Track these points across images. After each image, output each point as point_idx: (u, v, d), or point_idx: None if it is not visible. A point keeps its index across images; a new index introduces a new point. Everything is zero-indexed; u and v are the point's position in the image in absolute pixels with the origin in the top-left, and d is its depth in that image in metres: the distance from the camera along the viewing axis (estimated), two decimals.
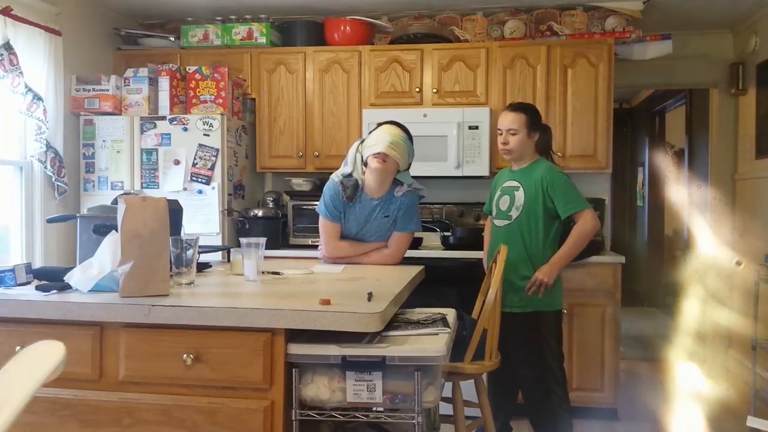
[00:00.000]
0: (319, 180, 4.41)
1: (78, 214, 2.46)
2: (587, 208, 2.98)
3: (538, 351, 2.98)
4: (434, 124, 4.06)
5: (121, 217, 1.88)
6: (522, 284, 2.98)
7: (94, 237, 2.17)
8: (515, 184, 3.06)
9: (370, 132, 2.95)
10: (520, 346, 2.98)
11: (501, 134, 3.07)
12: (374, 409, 1.86)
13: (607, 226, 4.41)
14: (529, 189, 3.01)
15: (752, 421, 3.38)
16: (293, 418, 1.79)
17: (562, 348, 3.12)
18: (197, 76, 3.98)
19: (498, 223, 3.12)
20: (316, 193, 4.33)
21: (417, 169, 4.07)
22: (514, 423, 3.83)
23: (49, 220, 2.64)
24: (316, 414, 1.82)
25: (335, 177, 3.00)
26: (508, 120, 3.04)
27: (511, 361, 2.90)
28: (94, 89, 3.97)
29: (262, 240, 2.29)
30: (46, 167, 3.64)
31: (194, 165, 3.87)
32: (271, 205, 4.32)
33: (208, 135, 3.87)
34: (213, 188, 3.87)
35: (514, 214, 3.03)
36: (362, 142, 2.95)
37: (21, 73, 3.43)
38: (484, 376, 2.74)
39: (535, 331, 2.98)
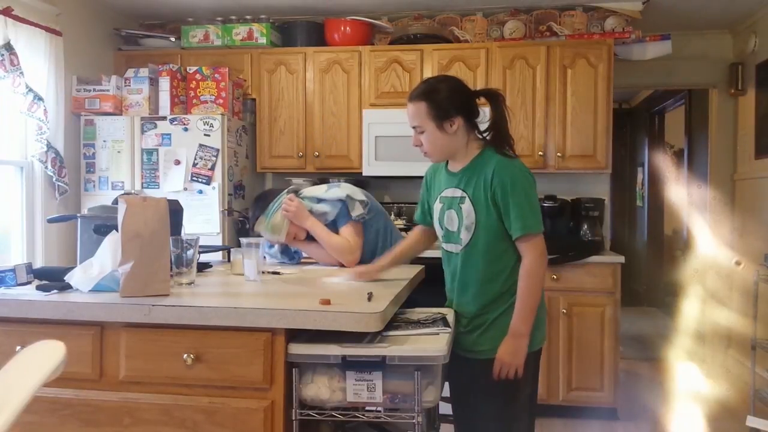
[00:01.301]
0: (319, 180, 4.41)
1: (78, 214, 2.46)
2: (538, 232, 2.13)
3: (509, 403, 2.18)
4: None
5: (122, 217, 1.89)
6: (487, 321, 2.19)
7: (95, 237, 2.17)
8: (459, 193, 2.20)
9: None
10: (489, 398, 2.17)
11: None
12: (374, 408, 1.86)
13: (606, 226, 4.42)
14: (478, 199, 2.15)
15: (752, 421, 3.39)
16: (293, 418, 1.79)
17: (537, 394, 2.38)
18: (198, 76, 3.98)
19: (448, 247, 2.28)
20: None
21: (417, 169, 4.08)
22: None
23: (50, 220, 2.64)
24: (316, 414, 1.82)
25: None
26: (409, 114, 2.21)
27: (475, 415, 2.21)
28: (94, 89, 3.97)
29: (263, 240, 2.30)
30: (46, 167, 3.65)
31: (195, 165, 3.87)
32: None
33: (209, 135, 3.87)
34: (213, 188, 3.88)
35: (465, 237, 2.18)
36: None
37: (22, 73, 3.43)
38: None
39: (506, 379, 2.12)
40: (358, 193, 2.83)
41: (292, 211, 2.77)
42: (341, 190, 2.82)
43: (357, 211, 2.78)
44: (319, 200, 2.82)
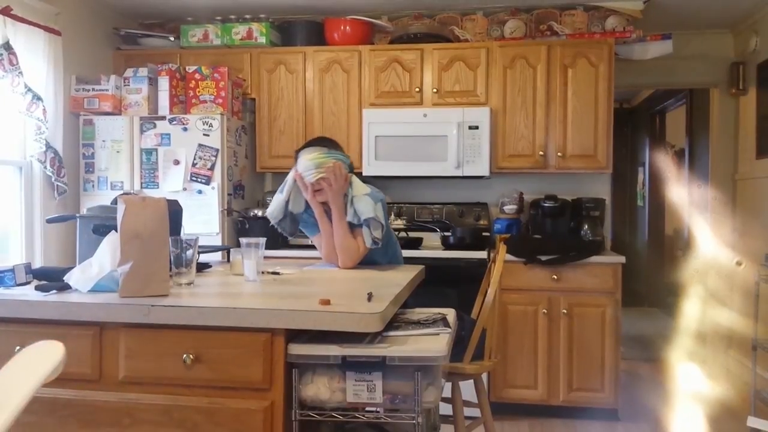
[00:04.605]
0: None
1: (78, 214, 2.45)
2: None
3: None
4: (434, 124, 4.05)
5: (121, 217, 1.88)
6: None
7: (94, 237, 2.16)
8: None
9: (295, 160, 2.72)
10: None
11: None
12: (374, 409, 1.85)
13: (607, 226, 4.41)
14: None
15: (752, 422, 3.39)
16: (293, 419, 1.78)
17: None
18: (197, 75, 3.98)
19: None
20: None
21: (417, 168, 4.10)
22: (512, 423, 3.84)
23: (49, 220, 2.63)
24: (316, 414, 1.81)
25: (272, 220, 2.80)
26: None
27: None
28: (93, 89, 3.97)
29: (262, 240, 2.29)
30: (45, 167, 3.64)
31: (194, 165, 3.87)
32: None
33: (208, 135, 3.86)
34: (213, 188, 3.87)
35: None
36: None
37: (21, 73, 3.43)
38: (484, 376, 2.73)
39: None
40: (382, 217, 2.72)
41: (339, 174, 2.64)
42: (376, 208, 2.69)
43: (376, 232, 2.68)
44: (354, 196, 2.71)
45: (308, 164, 2.64)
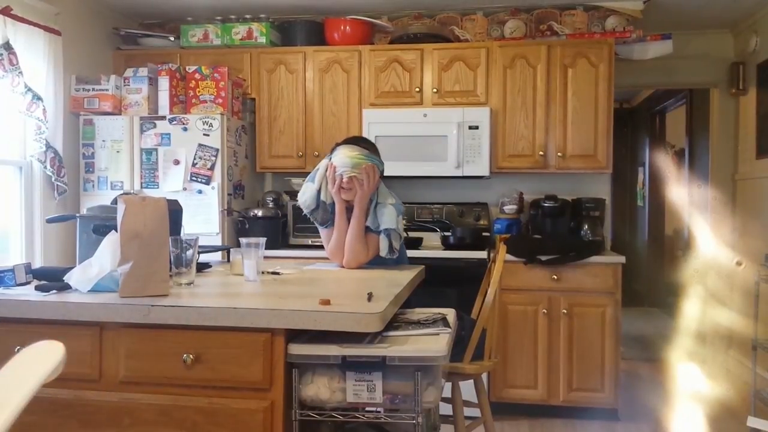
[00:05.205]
0: None
1: (78, 214, 2.45)
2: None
3: None
4: (434, 124, 4.05)
5: (121, 217, 1.88)
6: None
7: (94, 237, 2.16)
8: None
9: (332, 151, 2.73)
10: None
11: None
12: (374, 409, 1.85)
13: (607, 226, 4.41)
14: None
15: (752, 422, 3.39)
16: (293, 419, 1.78)
17: None
18: (197, 75, 3.98)
19: None
20: None
21: (417, 168, 4.10)
22: (512, 423, 3.83)
23: (49, 220, 2.63)
24: (316, 414, 1.81)
25: (304, 209, 2.82)
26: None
27: None
28: (93, 89, 3.97)
29: (262, 240, 2.29)
30: (45, 167, 3.64)
31: (194, 165, 3.87)
32: (270, 205, 4.31)
33: (208, 135, 3.86)
34: (213, 188, 3.87)
35: None
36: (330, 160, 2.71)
37: (21, 72, 3.43)
38: (484, 376, 2.73)
39: None
40: (402, 230, 2.76)
41: (372, 177, 2.65)
42: (398, 220, 2.72)
43: (396, 243, 2.71)
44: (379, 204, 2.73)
45: (346, 160, 2.63)
